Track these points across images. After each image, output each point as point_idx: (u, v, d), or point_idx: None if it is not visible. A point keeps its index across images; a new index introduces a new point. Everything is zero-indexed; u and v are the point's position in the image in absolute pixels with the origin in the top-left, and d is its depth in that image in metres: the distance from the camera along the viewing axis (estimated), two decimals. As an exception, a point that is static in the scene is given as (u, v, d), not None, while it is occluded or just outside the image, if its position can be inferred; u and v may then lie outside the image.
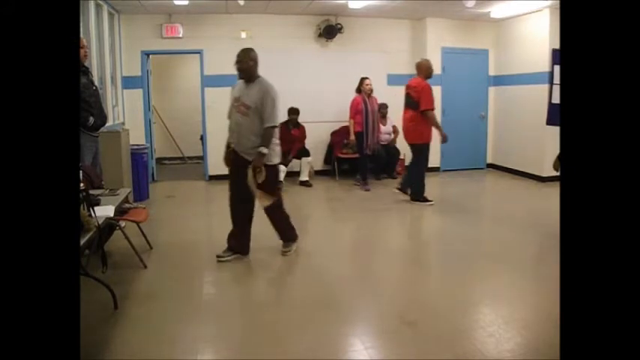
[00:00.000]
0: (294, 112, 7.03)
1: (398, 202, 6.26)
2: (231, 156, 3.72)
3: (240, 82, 3.70)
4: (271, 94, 3.55)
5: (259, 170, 3.50)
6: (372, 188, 6.62)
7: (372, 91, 6.66)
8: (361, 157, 6.69)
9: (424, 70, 5.55)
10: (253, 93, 3.57)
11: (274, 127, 3.59)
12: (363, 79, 6.66)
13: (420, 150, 5.64)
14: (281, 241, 3.99)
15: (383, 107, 7.25)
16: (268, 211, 3.77)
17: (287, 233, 3.96)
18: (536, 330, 2.67)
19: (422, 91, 5.42)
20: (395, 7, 6.87)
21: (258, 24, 7.29)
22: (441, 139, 5.59)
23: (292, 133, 7.03)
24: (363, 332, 2.74)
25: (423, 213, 5.55)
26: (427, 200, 5.70)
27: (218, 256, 3.76)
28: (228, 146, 3.78)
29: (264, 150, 3.53)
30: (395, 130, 7.40)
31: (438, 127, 5.48)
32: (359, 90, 6.65)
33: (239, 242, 3.83)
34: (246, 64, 3.59)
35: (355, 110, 6.56)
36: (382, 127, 7.21)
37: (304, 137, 7.14)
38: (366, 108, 6.52)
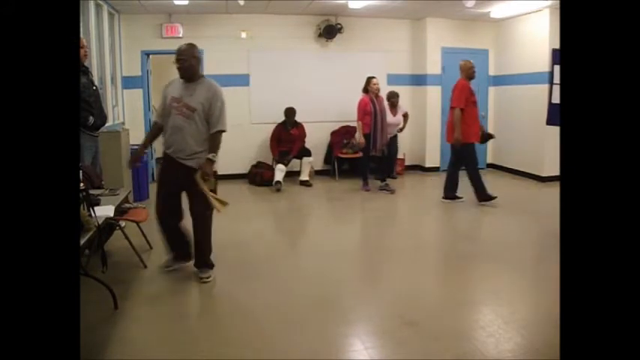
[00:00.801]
0: (290, 112, 7.00)
1: (397, 202, 6.27)
2: (164, 165, 3.37)
3: (179, 81, 3.32)
4: (221, 96, 3.27)
5: (208, 178, 3.25)
6: (372, 188, 6.61)
7: (379, 90, 6.38)
8: (363, 157, 6.56)
9: (464, 70, 5.59)
10: (199, 94, 3.23)
11: (223, 131, 3.29)
12: (370, 79, 6.38)
13: (462, 151, 5.58)
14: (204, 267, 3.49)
15: (393, 96, 6.85)
16: (204, 219, 3.38)
17: (207, 256, 3.47)
18: (536, 330, 2.67)
19: (455, 89, 5.50)
20: (395, 7, 6.87)
21: (258, 24, 7.29)
22: (447, 138, 5.57)
23: (291, 132, 7.03)
24: (363, 332, 2.74)
25: (422, 213, 5.55)
26: (492, 197, 5.62)
27: (164, 266, 3.57)
28: (144, 146, 3.51)
29: (215, 157, 3.24)
30: (405, 116, 7.01)
31: (452, 127, 5.46)
32: (366, 90, 6.38)
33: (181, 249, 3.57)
34: (189, 63, 3.26)
35: (363, 111, 6.29)
36: (392, 118, 6.76)
37: (304, 136, 7.12)
38: (374, 109, 6.26)
